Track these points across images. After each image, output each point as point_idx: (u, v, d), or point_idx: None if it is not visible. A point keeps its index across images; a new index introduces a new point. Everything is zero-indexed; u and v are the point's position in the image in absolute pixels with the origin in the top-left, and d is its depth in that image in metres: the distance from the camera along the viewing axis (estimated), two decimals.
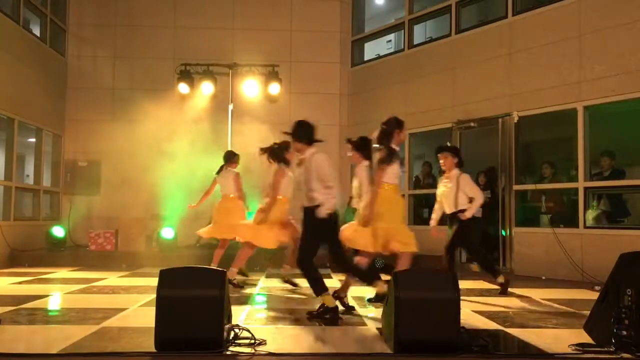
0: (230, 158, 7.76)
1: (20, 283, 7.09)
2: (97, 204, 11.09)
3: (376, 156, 5.51)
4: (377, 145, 5.62)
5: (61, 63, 11.38)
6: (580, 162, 8.01)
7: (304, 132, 5.00)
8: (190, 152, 9.69)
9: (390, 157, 5.40)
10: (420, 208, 10.48)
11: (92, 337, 4.03)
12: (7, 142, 9.67)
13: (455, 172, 6.36)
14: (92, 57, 11.57)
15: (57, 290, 6.56)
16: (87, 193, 11.16)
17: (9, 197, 9.50)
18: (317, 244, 5.00)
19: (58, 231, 9.96)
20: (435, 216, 6.56)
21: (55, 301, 5.94)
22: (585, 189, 7.94)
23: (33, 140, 10.99)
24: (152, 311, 3.57)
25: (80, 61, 11.57)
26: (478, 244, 6.80)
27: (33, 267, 8.84)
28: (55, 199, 11.30)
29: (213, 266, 7.39)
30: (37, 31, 10.72)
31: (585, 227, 7.87)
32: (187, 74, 10.65)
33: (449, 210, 6.38)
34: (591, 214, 7.98)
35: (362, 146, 5.86)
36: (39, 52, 10.54)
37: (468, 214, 6.20)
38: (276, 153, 6.55)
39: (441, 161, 6.48)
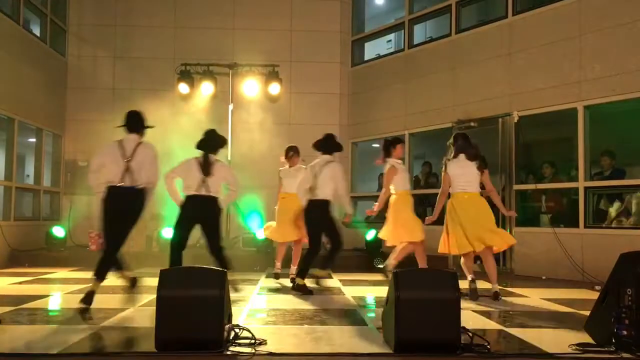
0: (296, 153, 7.29)
1: (20, 283, 7.09)
2: (97, 204, 11.03)
3: (472, 164, 5.93)
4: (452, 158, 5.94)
5: (61, 63, 11.38)
6: (581, 162, 8.00)
7: (133, 124, 5.47)
8: (190, 153, 9.65)
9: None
10: (420, 208, 10.44)
11: (92, 337, 4.03)
12: (7, 142, 9.67)
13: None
14: (92, 57, 11.56)
15: (57, 290, 6.56)
16: (87, 193, 11.08)
17: (9, 197, 9.49)
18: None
19: (58, 231, 9.95)
20: None
21: (55, 301, 5.95)
22: (586, 188, 7.93)
23: (33, 140, 10.99)
24: (152, 311, 3.57)
25: (80, 61, 11.57)
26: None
27: (33, 267, 8.83)
28: (55, 199, 11.30)
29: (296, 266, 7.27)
30: (37, 31, 10.72)
31: (586, 227, 7.87)
32: (187, 74, 10.63)
33: None
34: (613, 213, 7.96)
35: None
36: (39, 52, 10.53)
37: None
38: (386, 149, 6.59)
39: None
